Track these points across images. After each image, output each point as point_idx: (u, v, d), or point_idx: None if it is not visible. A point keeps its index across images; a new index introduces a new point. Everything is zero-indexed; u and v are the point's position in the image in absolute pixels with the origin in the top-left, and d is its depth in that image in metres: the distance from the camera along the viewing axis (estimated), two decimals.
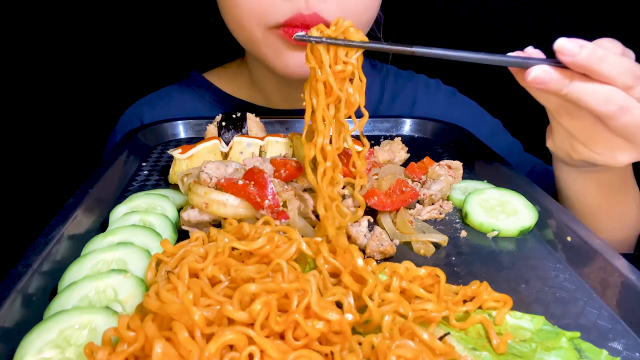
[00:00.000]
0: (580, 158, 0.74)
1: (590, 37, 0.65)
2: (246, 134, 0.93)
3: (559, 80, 0.64)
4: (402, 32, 1.24)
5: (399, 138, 0.99)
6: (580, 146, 0.73)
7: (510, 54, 0.67)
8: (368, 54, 1.28)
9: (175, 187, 0.84)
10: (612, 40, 0.68)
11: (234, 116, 0.96)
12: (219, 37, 1.14)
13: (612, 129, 0.66)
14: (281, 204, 0.71)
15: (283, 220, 0.69)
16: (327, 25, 0.69)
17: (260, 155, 0.91)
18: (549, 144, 0.81)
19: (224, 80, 1.27)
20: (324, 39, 0.64)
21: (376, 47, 0.67)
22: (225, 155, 0.90)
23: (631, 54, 0.70)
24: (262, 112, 1.14)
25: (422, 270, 0.57)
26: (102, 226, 0.75)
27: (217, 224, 0.71)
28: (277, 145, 0.91)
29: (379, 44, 0.67)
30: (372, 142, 1.09)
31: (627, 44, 0.68)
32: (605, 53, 0.62)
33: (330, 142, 0.66)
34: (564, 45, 0.62)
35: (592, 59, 0.61)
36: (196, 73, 1.30)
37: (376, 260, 0.67)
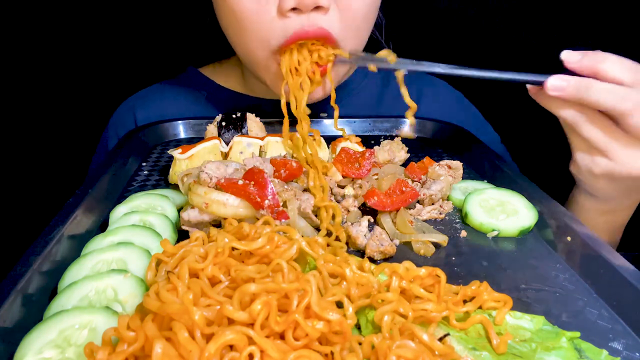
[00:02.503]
0: (602, 171, 0.75)
1: (592, 38, 0.66)
2: (246, 134, 0.93)
3: (576, 84, 0.71)
4: (404, 34, 1.23)
5: (399, 138, 0.99)
6: (600, 158, 0.75)
7: (519, 73, 0.75)
8: (370, 51, 1.28)
9: (175, 187, 0.84)
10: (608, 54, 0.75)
11: (234, 116, 0.96)
12: (213, 34, 1.13)
13: (629, 128, 0.70)
14: (281, 204, 0.71)
15: (283, 220, 0.69)
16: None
17: (260, 155, 0.91)
18: (572, 167, 0.82)
19: (220, 75, 1.27)
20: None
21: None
22: (225, 155, 0.90)
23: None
24: (258, 108, 1.13)
25: (422, 270, 0.57)
26: (102, 226, 0.75)
27: (217, 224, 0.71)
28: (277, 145, 0.91)
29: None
30: (372, 142, 1.09)
31: (627, 46, 0.69)
32: (605, 54, 0.70)
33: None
34: (569, 54, 0.72)
35: (597, 58, 0.70)
36: (193, 68, 1.30)
37: (376, 261, 0.67)
